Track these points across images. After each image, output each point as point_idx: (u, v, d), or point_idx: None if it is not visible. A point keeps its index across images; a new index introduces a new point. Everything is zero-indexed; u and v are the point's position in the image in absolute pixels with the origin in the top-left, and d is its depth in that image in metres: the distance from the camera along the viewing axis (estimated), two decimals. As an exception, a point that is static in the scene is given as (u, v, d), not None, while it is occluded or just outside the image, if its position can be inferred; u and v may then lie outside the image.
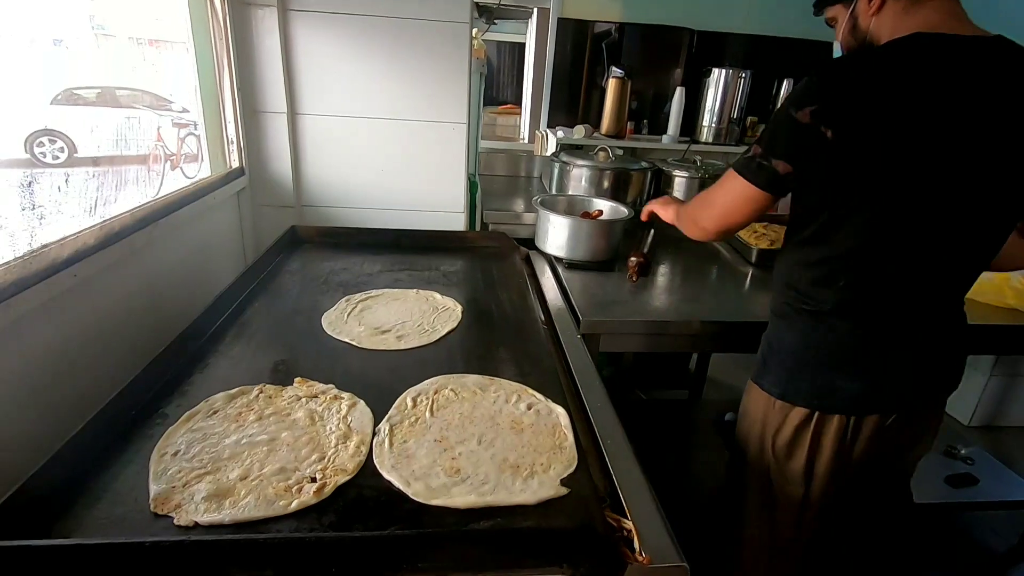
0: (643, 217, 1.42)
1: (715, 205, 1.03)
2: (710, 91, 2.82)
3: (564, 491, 0.72)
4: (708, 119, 2.86)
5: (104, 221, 1.01)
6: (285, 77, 1.60)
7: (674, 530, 0.68)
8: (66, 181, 0.92)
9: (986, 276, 1.44)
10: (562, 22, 3.04)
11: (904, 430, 1.06)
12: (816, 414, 1.01)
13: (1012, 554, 1.82)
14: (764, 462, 1.09)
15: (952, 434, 2.05)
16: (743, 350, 1.25)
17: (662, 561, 0.63)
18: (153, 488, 0.67)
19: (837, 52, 1.03)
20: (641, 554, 0.63)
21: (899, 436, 1.07)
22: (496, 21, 3.32)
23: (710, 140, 2.86)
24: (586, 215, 1.67)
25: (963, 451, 1.87)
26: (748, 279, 1.63)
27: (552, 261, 1.60)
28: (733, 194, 0.98)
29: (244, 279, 1.27)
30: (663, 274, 1.62)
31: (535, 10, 3.33)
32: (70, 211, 0.91)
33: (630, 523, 0.68)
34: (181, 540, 0.58)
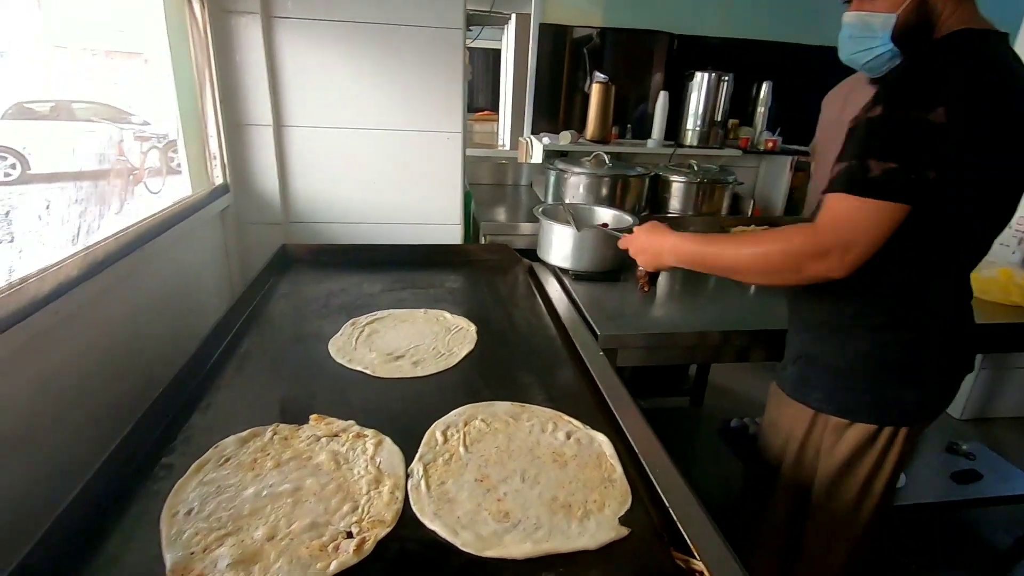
0: (622, 245, 1.24)
1: (856, 242, 0.82)
2: (693, 94, 2.82)
3: (625, 531, 0.66)
4: (692, 122, 2.86)
5: (87, 249, 0.91)
6: (270, 88, 1.51)
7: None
8: (47, 207, 0.82)
9: (991, 275, 1.45)
10: (543, 27, 3.01)
11: None
12: (883, 429, 0.98)
13: (1017, 549, 1.84)
14: (803, 479, 1.06)
15: (948, 428, 2.08)
16: (771, 359, 1.22)
17: (741, 602, 0.58)
18: (169, 557, 0.59)
19: (852, 44, 0.93)
20: (720, 599, 0.59)
21: None
22: (471, 27, 3.28)
23: (695, 143, 2.86)
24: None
25: (964, 447, 1.88)
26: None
27: (557, 272, 1.55)
28: (879, 220, 0.80)
29: (238, 306, 1.18)
30: (670, 282, 1.59)
31: (513, 16, 3.30)
32: (52, 240, 0.81)
33: (700, 563, 0.63)
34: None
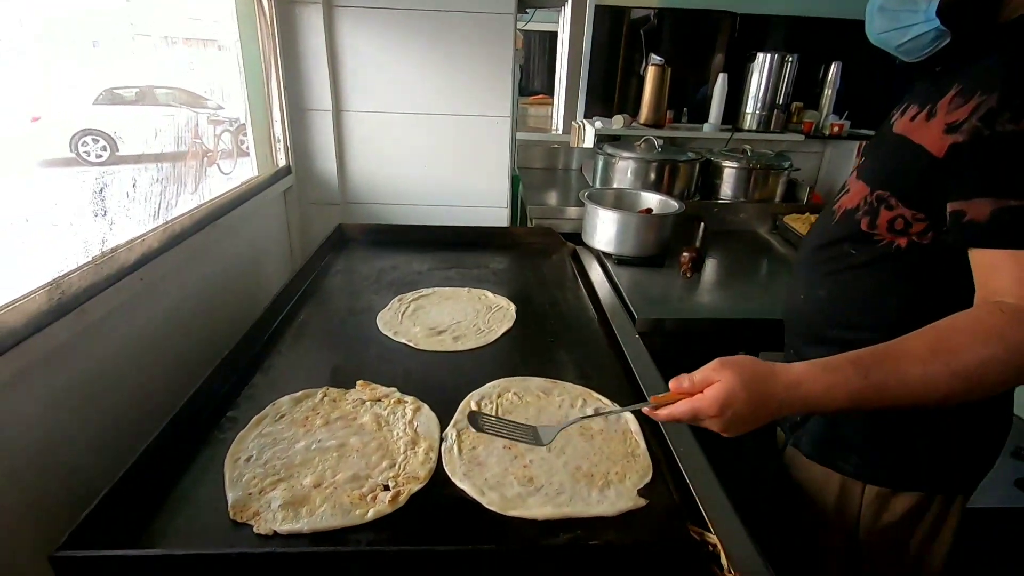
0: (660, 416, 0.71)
1: None
2: (754, 76, 2.73)
3: (643, 502, 0.69)
4: (752, 105, 2.77)
5: (167, 223, 1.02)
6: (330, 74, 1.59)
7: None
8: (134, 184, 0.92)
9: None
10: (599, 9, 2.98)
11: None
12: (935, 496, 0.83)
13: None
14: (846, 545, 0.90)
15: (1013, 431, 1.95)
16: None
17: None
18: (230, 496, 0.67)
19: (884, 20, 0.78)
20: (730, 571, 0.61)
21: None
22: (528, 10, 3.27)
23: (754, 127, 2.77)
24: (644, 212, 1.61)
25: (1032, 452, 1.77)
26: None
27: (601, 257, 1.56)
28: None
29: (297, 280, 1.27)
30: (716, 269, 1.57)
31: (570, -2, 3.27)
32: (136, 215, 0.91)
33: (715, 537, 0.65)
34: (267, 552, 0.58)
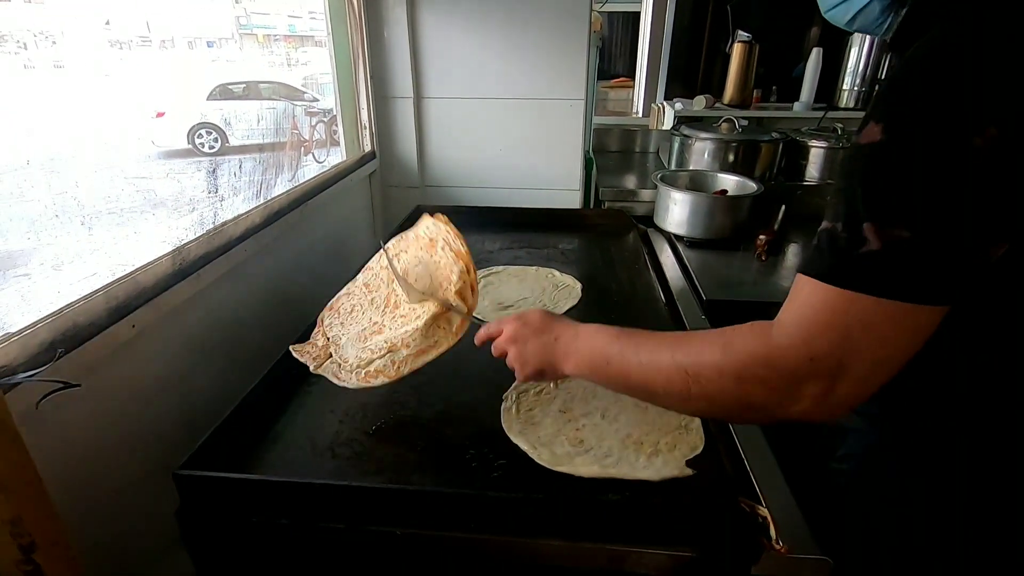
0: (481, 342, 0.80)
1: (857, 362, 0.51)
2: (853, 50, 2.52)
3: (689, 472, 0.71)
4: (850, 82, 2.57)
5: (267, 201, 1.14)
6: (412, 63, 1.68)
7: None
8: (240, 167, 1.05)
9: None
10: (684, -14, 2.88)
11: None
12: None
13: None
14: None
15: None
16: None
17: (801, 552, 0.61)
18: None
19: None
20: (779, 542, 0.61)
21: None
22: (610, -10, 3.22)
23: (851, 105, 2.57)
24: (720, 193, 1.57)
25: None
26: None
27: (672, 239, 1.55)
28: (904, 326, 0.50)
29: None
30: (795, 252, 1.51)
31: (654, -25, 3.18)
32: (242, 193, 1.03)
33: (765, 510, 0.65)
34: (342, 485, 0.67)
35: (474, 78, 1.70)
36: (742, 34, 2.64)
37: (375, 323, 0.86)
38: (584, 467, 0.71)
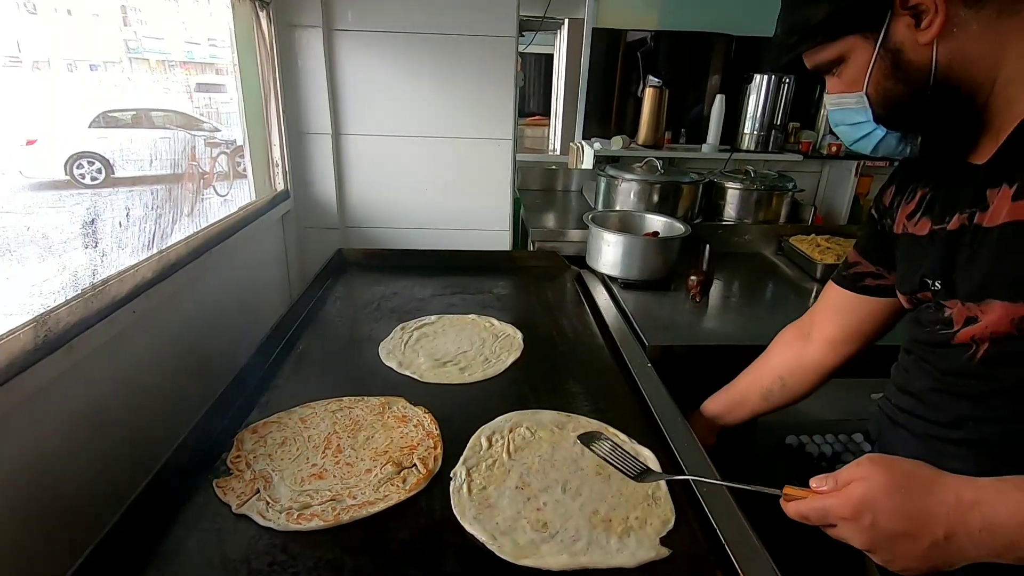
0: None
1: None
2: (752, 97, 2.73)
3: (665, 552, 0.65)
4: (750, 126, 2.77)
5: (161, 252, 0.98)
6: (329, 98, 1.57)
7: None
8: (127, 215, 0.89)
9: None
10: (596, 32, 2.99)
11: None
12: None
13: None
14: None
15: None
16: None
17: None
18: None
19: (850, 131, 0.73)
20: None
21: None
22: (524, 33, 3.29)
23: (752, 148, 2.77)
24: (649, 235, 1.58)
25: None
26: (814, 296, 1.54)
27: (606, 280, 1.53)
28: None
29: (296, 307, 1.23)
30: (724, 292, 1.54)
31: (566, 21, 3.30)
32: (130, 244, 0.87)
33: (746, 587, 0.61)
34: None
35: (399, 115, 1.62)
36: (653, 79, 2.78)
37: (315, 465, 0.76)
38: (552, 557, 0.62)
